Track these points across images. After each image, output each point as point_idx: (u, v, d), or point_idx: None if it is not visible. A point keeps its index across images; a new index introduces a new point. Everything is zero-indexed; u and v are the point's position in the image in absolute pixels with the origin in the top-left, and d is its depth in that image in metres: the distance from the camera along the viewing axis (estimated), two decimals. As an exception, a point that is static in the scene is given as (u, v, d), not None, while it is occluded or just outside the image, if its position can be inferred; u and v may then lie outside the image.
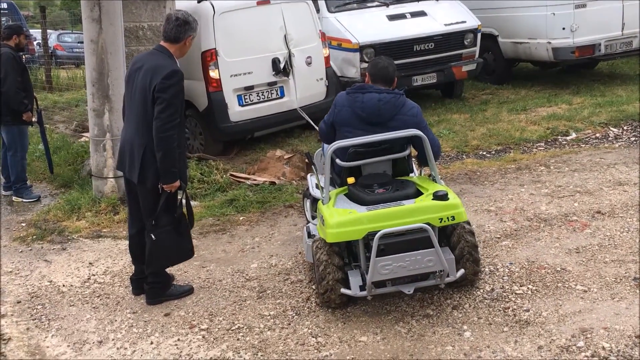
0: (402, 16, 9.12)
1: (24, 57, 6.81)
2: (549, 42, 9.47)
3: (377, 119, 4.05)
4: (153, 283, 4.31)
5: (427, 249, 3.65)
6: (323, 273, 3.88)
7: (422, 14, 9.20)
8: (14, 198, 6.72)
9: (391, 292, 4.00)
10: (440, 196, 3.76)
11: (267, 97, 7.46)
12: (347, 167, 4.10)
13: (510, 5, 10.00)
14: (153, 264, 4.24)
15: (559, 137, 7.47)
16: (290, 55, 7.49)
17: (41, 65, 14.37)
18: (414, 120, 4.05)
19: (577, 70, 11.04)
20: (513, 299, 4.01)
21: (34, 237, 5.64)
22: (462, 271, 3.92)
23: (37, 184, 7.34)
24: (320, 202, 4.08)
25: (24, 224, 6.03)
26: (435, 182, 4.09)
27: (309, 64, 7.75)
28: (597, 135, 7.43)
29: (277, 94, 7.51)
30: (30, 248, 5.46)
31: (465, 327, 3.76)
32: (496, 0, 10.15)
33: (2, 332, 4.10)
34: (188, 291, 4.44)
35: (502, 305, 3.95)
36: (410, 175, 4.31)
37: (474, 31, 9.27)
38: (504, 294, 4.07)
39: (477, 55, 9.44)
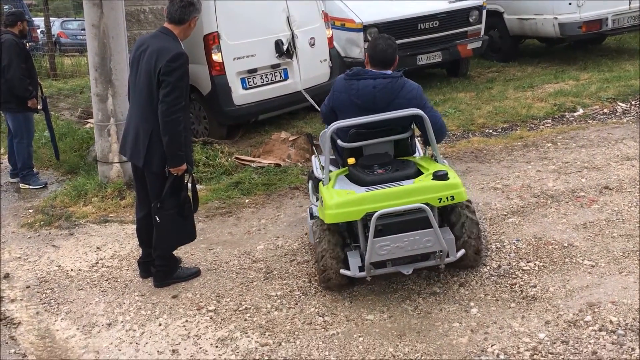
0: (405, -6, 9.02)
1: (27, 44, 6.77)
2: (556, 18, 9.34)
3: (373, 106, 3.93)
4: (160, 266, 4.32)
5: (425, 229, 3.60)
6: (322, 253, 3.87)
7: (426, -9, 9.09)
8: (21, 185, 6.75)
9: (398, 272, 4.00)
10: (440, 176, 3.70)
11: (271, 80, 7.41)
12: (348, 148, 4.04)
13: (516, -19, 9.89)
14: (160, 247, 4.26)
15: (566, 113, 7.39)
16: (293, 36, 7.43)
17: (45, 53, 14.35)
18: (414, 102, 3.92)
19: (584, 45, 10.91)
20: (520, 275, 4.00)
21: (42, 223, 5.67)
22: (462, 251, 3.87)
23: (44, 170, 7.36)
24: (320, 183, 4.04)
25: (31, 211, 6.06)
26: (437, 162, 4.02)
27: (312, 45, 7.69)
28: (605, 110, 7.35)
29: (280, 76, 7.47)
30: (38, 234, 5.49)
31: (472, 303, 3.76)
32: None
33: (13, 317, 4.13)
34: (195, 273, 4.45)
35: (509, 282, 3.94)
36: (415, 156, 4.25)
37: (479, 8, 9.16)
38: (511, 270, 4.06)
39: (482, 33, 9.33)
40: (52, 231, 5.51)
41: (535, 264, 4.10)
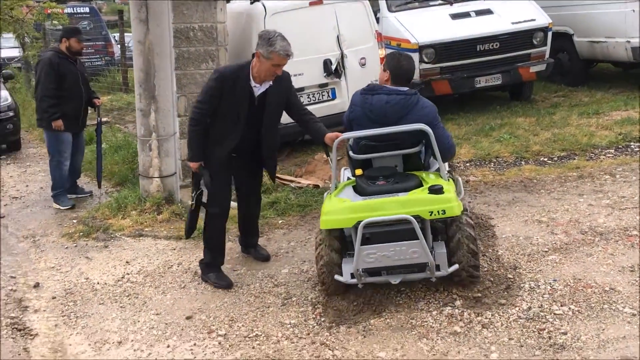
0: (466, 15, 8.75)
1: (78, 62, 6.67)
2: (628, 41, 8.79)
3: (384, 120, 4.04)
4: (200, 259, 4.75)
5: (412, 240, 3.64)
6: (318, 257, 4.01)
7: (487, 12, 8.79)
8: (53, 204, 6.66)
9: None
10: (434, 190, 3.72)
11: (318, 99, 7.34)
12: (357, 159, 4.13)
13: (586, 2, 9.39)
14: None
15: (632, 143, 6.88)
16: (342, 56, 7.32)
17: (119, 67, 14.93)
18: (426, 120, 3.96)
19: (662, 71, 10.21)
20: (551, 319, 3.67)
21: (81, 234, 5.77)
22: (455, 266, 3.85)
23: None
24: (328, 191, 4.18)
25: (74, 221, 6.19)
26: (442, 178, 3.97)
27: (362, 65, 7.57)
28: (676, 141, 6.80)
29: (328, 95, 7.38)
30: (75, 244, 5.59)
31: (493, 347, 3.48)
32: (572, -3, 9.58)
33: (32, 328, 4.18)
34: (223, 286, 4.52)
35: (537, 326, 3.62)
36: (429, 171, 4.24)
37: (544, 30, 8.74)
38: (542, 313, 3.74)
39: (547, 55, 8.90)
40: (89, 242, 5.60)
41: (569, 308, 3.76)
